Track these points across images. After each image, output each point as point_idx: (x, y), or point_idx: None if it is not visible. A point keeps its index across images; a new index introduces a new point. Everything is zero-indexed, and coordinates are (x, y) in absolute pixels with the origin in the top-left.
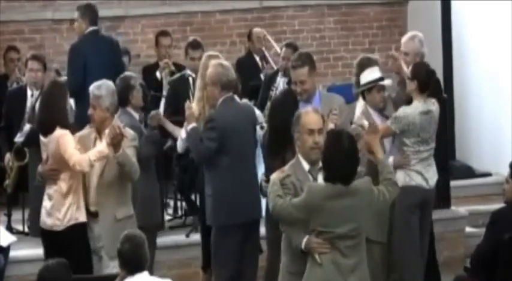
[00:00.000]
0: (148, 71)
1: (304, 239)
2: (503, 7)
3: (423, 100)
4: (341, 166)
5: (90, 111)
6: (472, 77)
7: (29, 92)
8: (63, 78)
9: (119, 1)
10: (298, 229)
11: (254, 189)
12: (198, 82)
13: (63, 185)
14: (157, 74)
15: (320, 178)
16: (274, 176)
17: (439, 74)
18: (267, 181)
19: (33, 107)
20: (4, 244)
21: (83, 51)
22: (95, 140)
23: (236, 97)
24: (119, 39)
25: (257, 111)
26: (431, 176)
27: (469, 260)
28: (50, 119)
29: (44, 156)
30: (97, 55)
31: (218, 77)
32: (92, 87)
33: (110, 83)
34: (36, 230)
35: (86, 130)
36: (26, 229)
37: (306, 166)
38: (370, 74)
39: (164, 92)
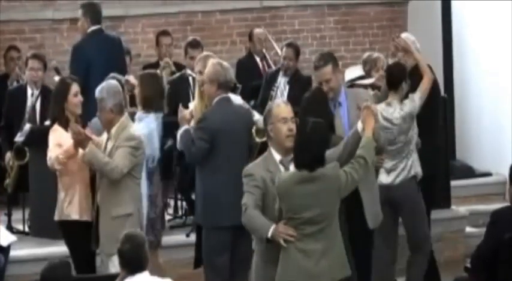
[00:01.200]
0: (149, 70)
1: (271, 229)
2: (503, 7)
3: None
4: (304, 153)
5: (97, 114)
6: (472, 77)
7: (29, 91)
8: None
9: (119, 1)
10: (263, 220)
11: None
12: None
13: (59, 182)
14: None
15: (292, 168)
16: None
17: (439, 74)
18: None
19: (33, 106)
20: (4, 243)
21: (85, 51)
22: (107, 141)
23: (233, 98)
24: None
25: (257, 116)
26: (399, 172)
27: (469, 260)
28: (52, 114)
29: None
30: (100, 54)
31: (216, 76)
32: (96, 91)
33: (112, 83)
34: (37, 230)
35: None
36: (27, 229)
37: (277, 156)
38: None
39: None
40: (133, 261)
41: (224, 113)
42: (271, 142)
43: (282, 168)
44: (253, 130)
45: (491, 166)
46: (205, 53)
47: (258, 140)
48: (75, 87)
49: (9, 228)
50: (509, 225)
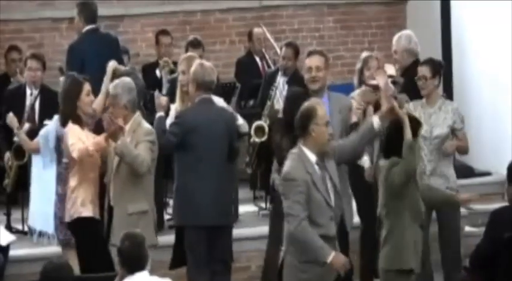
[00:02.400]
0: (148, 70)
1: (331, 256)
2: (503, 7)
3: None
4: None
5: (110, 110)
6: (471, 76)
7: (28, 91)
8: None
9: (118, 0)
10: (321, 242)
11: (223, 195)
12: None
13: (71, 179)
14: (157, 72)
15: (332, 166)
16: None
17: None
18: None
19: (32, 106)
20: (3, 243)
21: (80, 51)
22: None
23: (216, 101)
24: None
25: (241, 120)
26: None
27: (468, 260)
28: (64, 112)
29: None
30: (95, 53)
31: (195, 76)
32: (110, 87)
33: (127, 80)
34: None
35: None
36: (26, 228)
37: (312, 157)
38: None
39: (164, 91)
40: (133, 260)
41: (202, 113)
42: (308, 141)
43: (317, 169)
44: (253, 130)
45: (491, 166)
46: (189, 53)
47: (257, 140)
48: (87, 87)
49: (9, 228)
50: (508, 225)
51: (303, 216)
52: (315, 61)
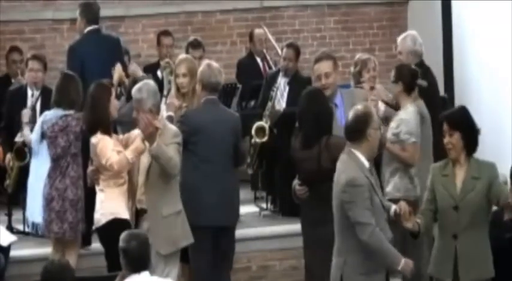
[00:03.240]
0: (150, 71)
1: (402, 263)
2: (503, 7)
3: (411, 102)
4: None
5: (134, 114)
6: (472, 76)
7: (29, 92)
8: None
9: (119, 1)
10: (393, 248)
11: (226, 196)
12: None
13: (104, 183)
14: (159, 73)
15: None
16: None
17: (440, 74)
18: (301, 184)
19: (33, 107)
20: (4, 243)
21: (80, 52)
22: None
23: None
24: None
25: None
26: None
27: None
28: (93, 120)
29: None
30: (96, 54)
31: (201, 76)
32: (133, 91)
33: (150, 83)
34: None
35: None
36: (27, 229)
37: (366, 162)
38: None
39: (165, 92)
40: (139, 259)
41: (207, 114)
42: (363, 146)
43: (370, 175)
44: (254, 131)
45: None
46: (184, 55)
47: (258, 140)
48: (113, 91)
49: (10, 228)
50: (509, 225)
51: (374, 223)
52: (323, 67)
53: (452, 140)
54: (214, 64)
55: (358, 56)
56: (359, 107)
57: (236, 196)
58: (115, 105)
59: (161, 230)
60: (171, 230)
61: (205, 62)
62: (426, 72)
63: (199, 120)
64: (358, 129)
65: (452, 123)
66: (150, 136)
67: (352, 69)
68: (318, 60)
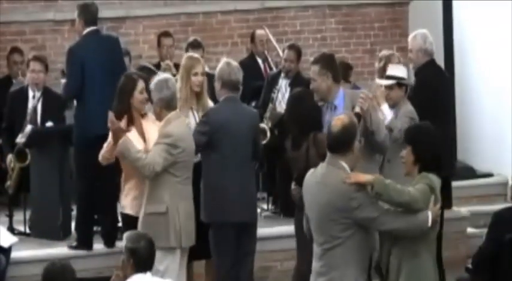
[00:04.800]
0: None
1: (429, 216)
2: (504, 7)
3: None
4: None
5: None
6: (473, 77)
7: (30, 93)
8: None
9: (120, 2)
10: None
11: (248, 192)
12: (179, 83)
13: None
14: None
15: None
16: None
17: None
18: (295, 184)
19: (34, 108)
20: (5, 244)
21: (80, 53)
22: None
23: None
24: (120, 40)
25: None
26: None
27: (470, 261)
28: (116, 110)
29: None
30: (96, 56)
31: (220, 74)
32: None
33: (161, 78)
34: (37, 231)
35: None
36: (27, 230)
37: (349, 171)
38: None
39: None
40: (148, 259)
41: (228, 112)
42: (348, 157)
43: None
44: None
45: (493, 167)
46: (190, 53)
47: None
48: (141, 84)
49: (11, 229)
50: (510, 226)
51: (388, 207)
52: (311, 72)
53: (403, 153)
54: (233, 62)
55: (383, 52)
56: (344, 118)
57: (255, 191)
58: (138, 99)
59: (142, 226)
60: (149, 229)
61: (223, 60)
62: (438, 71)
63: (221, 118)
64: (346, 141)
65: (406, 137)
66: (114, 134)
67: (376, 64)
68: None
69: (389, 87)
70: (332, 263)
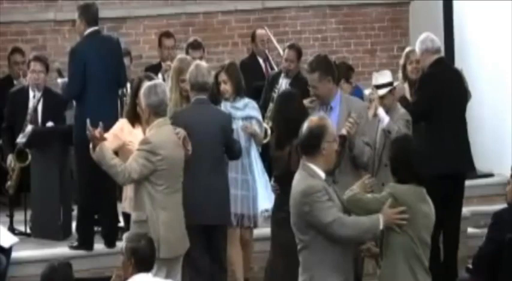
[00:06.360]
0: (151, 72)
1: (380, 219)
2: (505, 7)
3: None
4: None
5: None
6: (473, 77)
7: (31, 93)
8: (65, 79)
9: (121, 2)
10: (365, 218)
11: (218, 194)
12: (169, 84)
13: None
14: (160, 75)
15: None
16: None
17: None
18: (275, 181)
19: (35, 108)
20: (6, 245)
21: (82, 54)
22: None
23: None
24: (120, 40)
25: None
26: None
27: (471, 261)
28: (126, 111)
29: None
30: (97, 56)
31: (189, 77)
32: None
33: (151, 84)
34: (38, 231)
35: None
36: (28, 230)
37: (322, 174)
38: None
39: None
40: (150, 258)
41: (196, 114)
42: (318, 159)
43: (326, 185)
44: None
45: (493, 167)
46: (181, 55)
47: None
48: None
49: (11, 229)
50: (510, 226)
51: (340, 215)
52: (310, 80)
53: None
54: (203, 64)
55: (407, 49)
56: (313, 119)
57: (225, 195)
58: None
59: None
60: None
61: (194, 62)
62: (446, 68)
63: (188, 120)
64: (312, 144)
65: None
66: (91, 141)
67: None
68: (307, 71)
69: (382, 96)
70: (304, 264)
